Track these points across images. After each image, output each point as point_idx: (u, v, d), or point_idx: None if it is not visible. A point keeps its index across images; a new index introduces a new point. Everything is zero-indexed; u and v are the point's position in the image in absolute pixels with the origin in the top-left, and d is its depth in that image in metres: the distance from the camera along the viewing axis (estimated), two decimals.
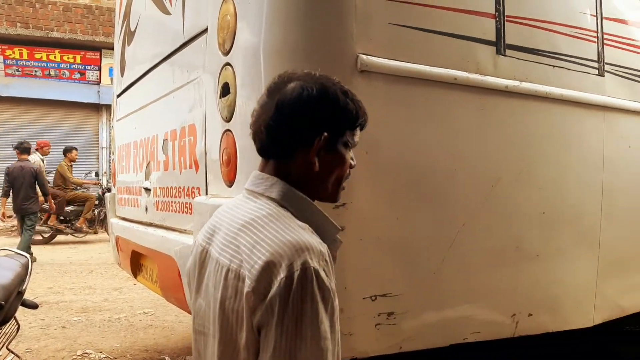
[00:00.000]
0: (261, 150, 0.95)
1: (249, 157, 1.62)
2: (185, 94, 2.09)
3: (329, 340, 0.80)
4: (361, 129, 0.98)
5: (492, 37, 1.81)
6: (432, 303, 1.67)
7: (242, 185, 1.65)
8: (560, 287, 2.02)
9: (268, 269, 0.79)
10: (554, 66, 1.96)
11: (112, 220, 3.20)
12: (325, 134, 0.90)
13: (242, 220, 0.88)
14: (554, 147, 1.98)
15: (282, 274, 0.78)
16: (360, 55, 1.52)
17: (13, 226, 10.00)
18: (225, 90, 1.70)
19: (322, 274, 0.80)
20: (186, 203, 2.06)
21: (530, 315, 1.89)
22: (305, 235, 0.84)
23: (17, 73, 11.75)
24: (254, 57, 1.58)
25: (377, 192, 1.55)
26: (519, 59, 1.87)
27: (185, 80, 2.08)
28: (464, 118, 1.74)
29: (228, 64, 1.69)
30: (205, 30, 1.85)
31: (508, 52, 1.84)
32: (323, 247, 0.84)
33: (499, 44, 1.82)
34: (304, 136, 0.90)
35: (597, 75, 2.11)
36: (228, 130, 1.70)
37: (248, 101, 1.61)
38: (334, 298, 0.83)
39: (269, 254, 0.80)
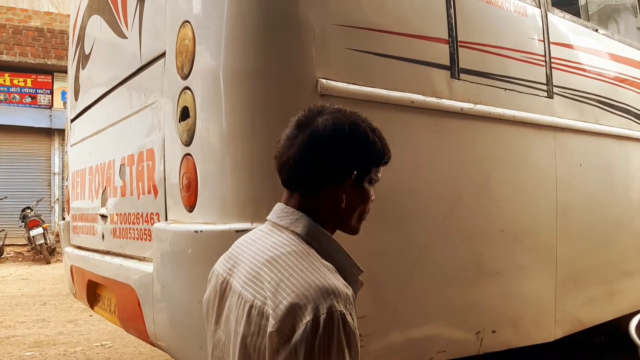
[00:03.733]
0: (287, 183, 0.93)
1: (209, 181, 1.59)
2: (143, 118, 2.05)
3: None
4: (385, 165, 0.99)
5: (447, 61, 1.87)
6: (397, 324, 1.67)
7: (203, 210, 1.63)
8: (522, 303, 2.07)
9: (293, 311, 0.77)
10: (505, 89, 2.05)
11: (67, 249, 3.06)
12: (355, 172, 0.90)
13: (266, 255, 0.86)
14: (509, 167, 2.05)
15: (307, 317, 0.76)
16: (320, 79, 1.54)
17: None
18: (184, 114, 1.68)
19: (349, 318, 0.79)
20: (145, 229, 2.00)
21: (493, 332, 1.92)
22: (331, 277, 0.82)
23: None
24: (213, 80, 1.58)
25: None
26: (472, 82, 1.94)
27: (143, 105, 2.04)
28: (422, 140, 1.78)
29: (187, 87, 1.67)
30: (163, 55, 1.83)
31: (462, 75, 1.91)
32: (349, 290, 0.83)
33: (453, 68, 1.88)
34: (335, 173, 0.89)
35: (546, 97, 2.21)
36: (188, 154, 1.67)
37: (208, 124, 1.60)
38: (358, 341, 0.82)
39: (294, 294, 0.78)
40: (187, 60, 1.66)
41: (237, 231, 1.46)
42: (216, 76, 1.56)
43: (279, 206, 0.95)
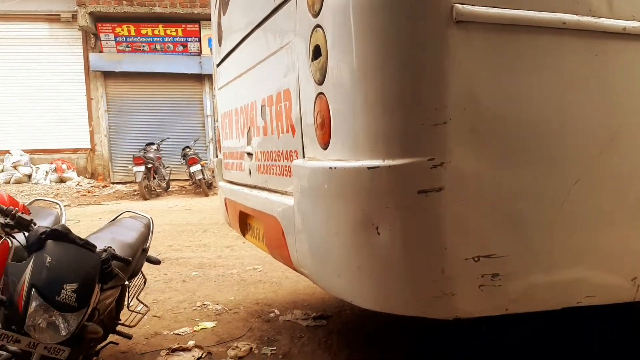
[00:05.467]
0: None
1: (342, 119, 1.62)
2: (279, 59, 2.12)
3: None
4: None
5: None
6: (541, 265, 1.58)
7: (337, 147, 1.68)
8: None
9: None
10: None
11: (220, 184, 3.42)
12: None
13: None
14: None
15: None
16: (455, 4, 1.43)
17: (135, 190, 11.10)
18: (316, 52, 1.70)
19: None
20: (286, 166, 2.13)
21: None
22: None
23: (127, 49, 12.71)
24: (343, 16, 1.56)
25: (478, 150, 1.48)
26: None
27: (279, 46, 2.10)
28: (575, 67, 1.58)
29: (318, 25, 1.68)
30: None
31: None
32: None
33: None
34: None
35: None
36: (321, 93, 1.70)
37: (339, 62, 1.60)
38: None
39: None
40: None
41: (369, 168, 1.48)
42: (346, 11, 1.54)
43: None
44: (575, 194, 1.57)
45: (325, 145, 1.71)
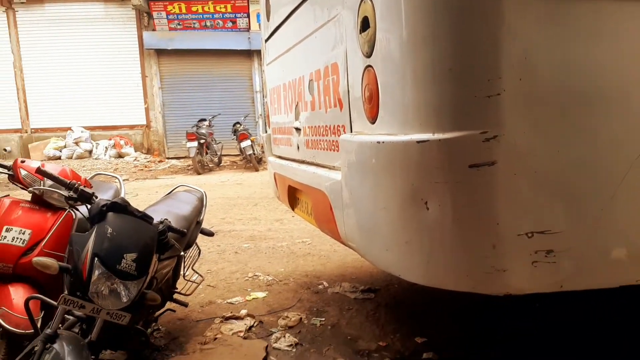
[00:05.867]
0: None
1: (390, 92, 1.59)
2: (327, 32, 2.10)
3: None
4: None
5: None
6: (598, 242, 1.52)
7: (385, 121, 1.66)
8: None
9: None
10: None
11: (270, 159, 3.47)
12: None
13: None
14: None
15: None
16: None
17: (189, 165, 11.46)
18: (364, 24, 1.67)
19: None
20: (333, 141, 2.13)
21: None
22: None
23: (178, 27, 12.94)
24: None
25: (533, 122, 1.42)
26: None
27: (326, 19, 2.08)
28: (638, 33, 1.47)
29: None
30: None
31: None
32: None
33: None
34: None
35: None
36: (369, 66, 1.68)
37: (387, 33, 1.57)
38: None
39: None
40: None
41: (418, 142, 1.46)
42: None
43: None
44: (637, 167, 1.49)
45: (373, 119, 1.69)
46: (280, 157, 3.21)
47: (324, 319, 2.92)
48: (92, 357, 1.74)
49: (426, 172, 1.47)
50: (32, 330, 1.86)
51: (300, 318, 2.92)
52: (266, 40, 3.36)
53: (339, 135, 2.02)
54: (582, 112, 1.46)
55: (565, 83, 1.43)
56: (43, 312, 2.05)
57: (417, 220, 1.52)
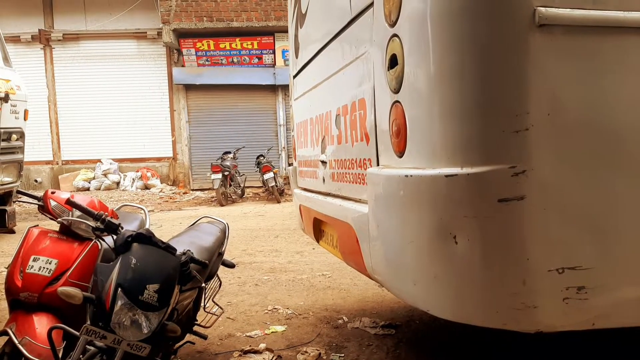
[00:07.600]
0: None
1: (418, 127, 1.62)
2: (355, 69, 2.16)
3: None
4: None
5: None
6: (632, 278, 1.49)
7: (412, 155, 1.68)
8: None
9: None
10: None
11: (295, 191, 3.51)
12: None
13: None
14: None
15: None
16: (538, 8, 1.39)
17: (212, 197, 11.60)
18: (393, 62, 1.72)
19: None
20: (359, 174, 2.16)
21: None
22: None
23: (206, 63, 13.35)
24: (421, 24, 1.57)
25: (562, 157, 1.43)
26: None
27: (354, 56, 2.14)
28: None
29: (395, 35, 1.70)
30: (371, 5, 1.88)
31: None
32: None
33: None
34: None
35: None
36: (397, 101, 1.72)
37: (416, 69, 1.61)
38: None
39: None
40: (394, 7, 1.67)
41: (446, 176, 1.47)
42: (423, 19, 1.55)
43: None
44: None
45: (400, 153, 1.72)
46: (305, 190, 3.24)
47: (343, 355, 2.87)
48: None
49: (454, 206, 1.48)
50: None
51: (320, 353, 2.88)
52: (294, 77, 3.45)
53: (365, 169, 2.05)
54: (610, 147, 1.46)
55: (593, 117, 1.44)
56: (65, 342, 2.07)
57: (446, 254, 1.52)
